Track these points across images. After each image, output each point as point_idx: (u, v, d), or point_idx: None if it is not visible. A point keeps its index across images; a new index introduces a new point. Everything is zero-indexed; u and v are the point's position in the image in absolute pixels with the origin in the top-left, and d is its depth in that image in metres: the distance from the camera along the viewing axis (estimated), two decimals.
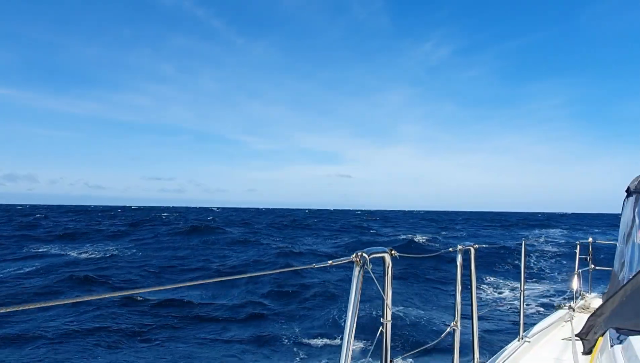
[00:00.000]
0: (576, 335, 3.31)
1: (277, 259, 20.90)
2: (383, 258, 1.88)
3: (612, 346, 2.55)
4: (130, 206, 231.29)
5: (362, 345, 7.96)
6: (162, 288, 1.43)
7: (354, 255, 1.73)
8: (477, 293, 3.19)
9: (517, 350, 3.68)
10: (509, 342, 3.87)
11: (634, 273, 2.95)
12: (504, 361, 3.47)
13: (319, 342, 9.13)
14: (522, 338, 3.87)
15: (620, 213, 4.05)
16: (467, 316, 3.06)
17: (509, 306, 12.27)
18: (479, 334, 3.16)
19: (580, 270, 5.48)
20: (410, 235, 37.13)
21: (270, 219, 71.41)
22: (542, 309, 11.76)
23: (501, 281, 16.45)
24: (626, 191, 3.76)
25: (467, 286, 3.04)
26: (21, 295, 12.82)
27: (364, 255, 1.73)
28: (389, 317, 1.92)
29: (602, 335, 2.96)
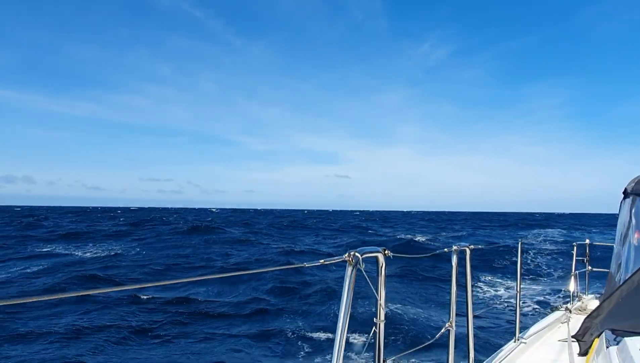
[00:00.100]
0: (572, 337, 3.32)
1: (279, 257, 21.22)
2: (376, 258, 1.86)
3: (607, 347, 2.55)
4: (130, 207, 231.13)
5: (355, 345, 8.13)
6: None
7: (346, 255, 1.70)
8: (473, 294, 3.19)
9: (513, 351, 3.68)
10: (505, 343, 3.87)
11: (629, 275, 2.96)
12: (500, 362, 3.47)
13: (322, 335, 9.41)
14: (518, 339, 3.87)
15: (617, 213, 4.07)
16: (462, 316, 3.06)
17: (505, 307, 12.30)
18: (474, 334, 3.16)
19: (577, 272, 5.47)
20: (409, 235, 37.49)
21: (269, 220, 71.69)
22: (539, 308, 11.85)
23: (498, 281, 16.44)
24: (623, 192, 3.76)
25: (462, 287, 3.03)
26: (34, 294, 13.09)
27: (357, 254, 1.71)
28: (383, 317, 1.91)
29: (598, 336, 2.96)
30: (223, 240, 29.70)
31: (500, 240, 33.10)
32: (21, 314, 10.33)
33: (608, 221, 69.38)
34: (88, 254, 22.46)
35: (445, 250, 2.90)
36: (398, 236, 36.23)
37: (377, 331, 1.91)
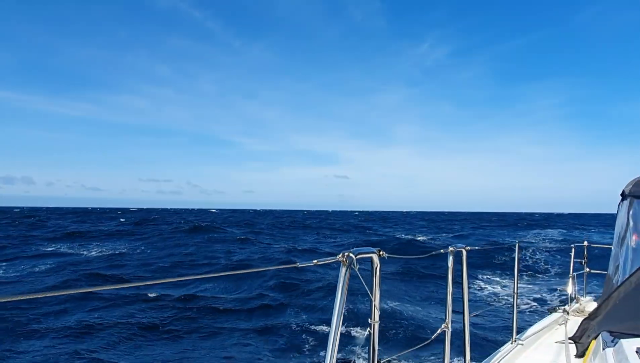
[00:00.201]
0: (570, 339, 3.32)
1: (282, 256, 21.51)
2: (371, 259, 1.85)
3: (604, 349, 2.56)
4: (129, 209, 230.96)
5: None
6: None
7: (340, 255, 1.69)
8: (469, 295, 3.19)
9: (510, 352, 3.68)
10: (502, 345, 3.88)
11: (627, 276, 2.97)
12: None
13: (325, 328, 9.67)
14: (515, 341, 3.87)
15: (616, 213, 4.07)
16: (459, 317, 3.07)
17: (502, 307, 12.33)
18: (470, 336, 3.16)
19: (575, 273, 5.45)
20: (410, 235, 37.79)
21: (270, 220, 71.97)
22: (536, 310, 11.95)
23: (495, 282, 16.35)
24: (621, 194, 3.75)
25: (459, 288, 3.03)
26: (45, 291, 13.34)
27: (351, 254, 1.69)
28: (377, 318, 1.90)
29: (595, 338, 2.96)
30: (225, 239, 29.99)
31: (499, 239, 33.37)
32: (33, 310, 10.59)
33: (608, 222, 69.32)
34: (93, 253, 22.74)
35: (442, 251, 2.88)
36: (398, 236, 36.53)
37: (372, 332, 1.91)
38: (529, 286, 15.51)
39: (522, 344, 3.85)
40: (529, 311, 11.76)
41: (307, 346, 8.83)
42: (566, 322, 4.50)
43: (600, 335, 2.83)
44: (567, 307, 5.04)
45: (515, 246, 4.21)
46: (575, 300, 5.43)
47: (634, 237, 3.32)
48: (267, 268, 2.20)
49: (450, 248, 2.83)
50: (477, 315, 9.90)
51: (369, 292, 1.87)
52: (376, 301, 1.89)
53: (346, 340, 8.51)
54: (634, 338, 2.48)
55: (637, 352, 2.26)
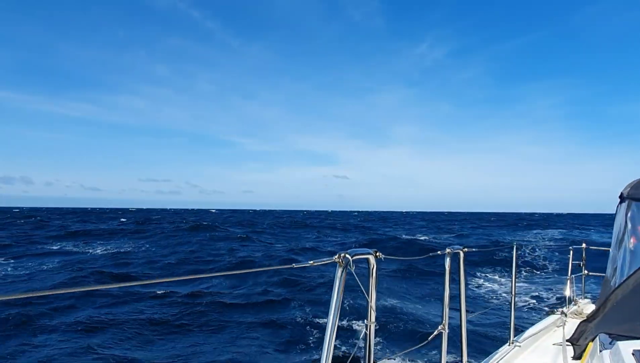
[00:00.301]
0: (567, 340, 3.32)
1: (286, 254, 21.81)
2: (367, 260, 1.85)
3: (601, 351, 2.56)
4: (129, 209, 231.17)
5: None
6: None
7: (336, 256, 1.69)
8: (467, 296, 3.17)
9: (507, 354, 3.67)
10: (500, 346, 3.87)
11: (624, 278, 2.98)
12: None
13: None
14: (513, 343, 3.87)
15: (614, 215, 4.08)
16: (456, 319, 3.05)
17: (500, 308, 12.32)
18: (468, 337, 3.14)
19: (573, 276, 5.44)
20: (410, 236, 38.06)
21: (270, 220, 72.26)
22: (534, 308, 12.06)
23: (493, 283, 16.27)
24: (619, 197, 3.72)
25: (456, 289, 3.02)
26: (55, 288, 13.63)
27: (347, 256, 1.69)
28: (373, 319, 1.90)
29: (593, 340, 2.94)
30: (227, 237, 30.28)
31: (499, 239, 33.64)
32: (44, 305, 10.83)
33: (607, 222, 69.50)
34: (98, 251, 23.01)
35: (439, 252, 2.85)
36: (399, 236, 36.80)
37: (368, 333, 1.91)
38: (527, 284, 15.59)
39: (519, 346, 3.86)
40: (527, 309, 11.92)
41: (311, 338, 9.10)
42: (564, 324, 4.47)
43: (598, 337, 2.82)
44: (565, 309, 5.00)
45: (513, 247, 4.23)
46: (573, 302, 5.43)
47: (631, 239, 3.31)
48: (265, 268, 2.20)
49: (448, 250, 2.83)
50: (473, 317, 9.91)
51: (365, 293, 1.87)
52: (372, 302, 1.89)
53: (343, 341, 8.61)
54: (631, 340, 2.50)
55: (633, 354, 2.27)
